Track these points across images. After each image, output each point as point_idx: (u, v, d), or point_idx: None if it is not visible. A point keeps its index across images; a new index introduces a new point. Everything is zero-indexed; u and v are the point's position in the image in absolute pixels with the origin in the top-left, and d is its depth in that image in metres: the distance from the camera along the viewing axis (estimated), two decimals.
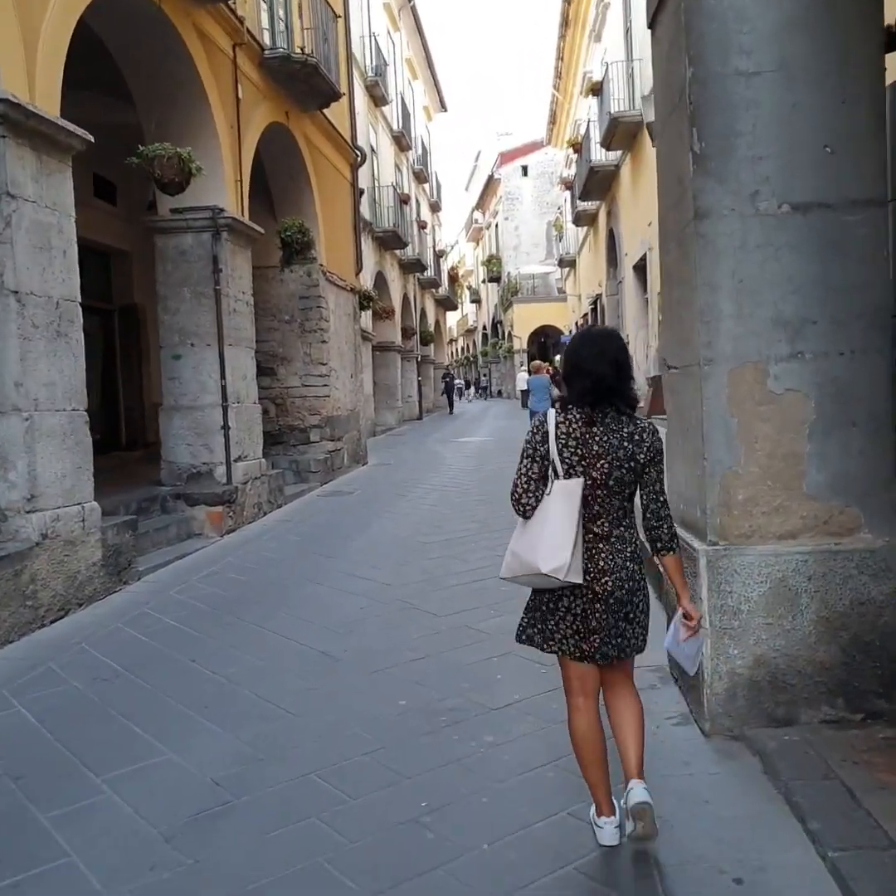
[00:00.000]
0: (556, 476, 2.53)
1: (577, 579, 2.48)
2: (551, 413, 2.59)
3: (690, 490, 3.61)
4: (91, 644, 5.02)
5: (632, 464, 2.51)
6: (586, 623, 2.53)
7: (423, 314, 32.30)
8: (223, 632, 5.18)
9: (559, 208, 40.46)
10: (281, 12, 10.75)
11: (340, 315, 13.15)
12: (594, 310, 28.62)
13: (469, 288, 60.53)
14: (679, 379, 3.74)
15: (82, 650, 4.93)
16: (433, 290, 35.33)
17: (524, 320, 42.13)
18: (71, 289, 5.93)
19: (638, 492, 2.61)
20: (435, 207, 36.51)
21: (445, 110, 37.98)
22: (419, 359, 29.69)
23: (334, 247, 12.93)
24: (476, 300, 59.29)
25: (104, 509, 6.61)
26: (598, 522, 2.54)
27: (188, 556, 7.40)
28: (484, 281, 52.70)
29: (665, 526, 2.61)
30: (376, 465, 14.31)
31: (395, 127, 25.40)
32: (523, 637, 2.69)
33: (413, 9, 28.58)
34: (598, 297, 26.99)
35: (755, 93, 3.28)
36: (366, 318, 19.79)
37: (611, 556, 2.53)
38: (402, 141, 26.17)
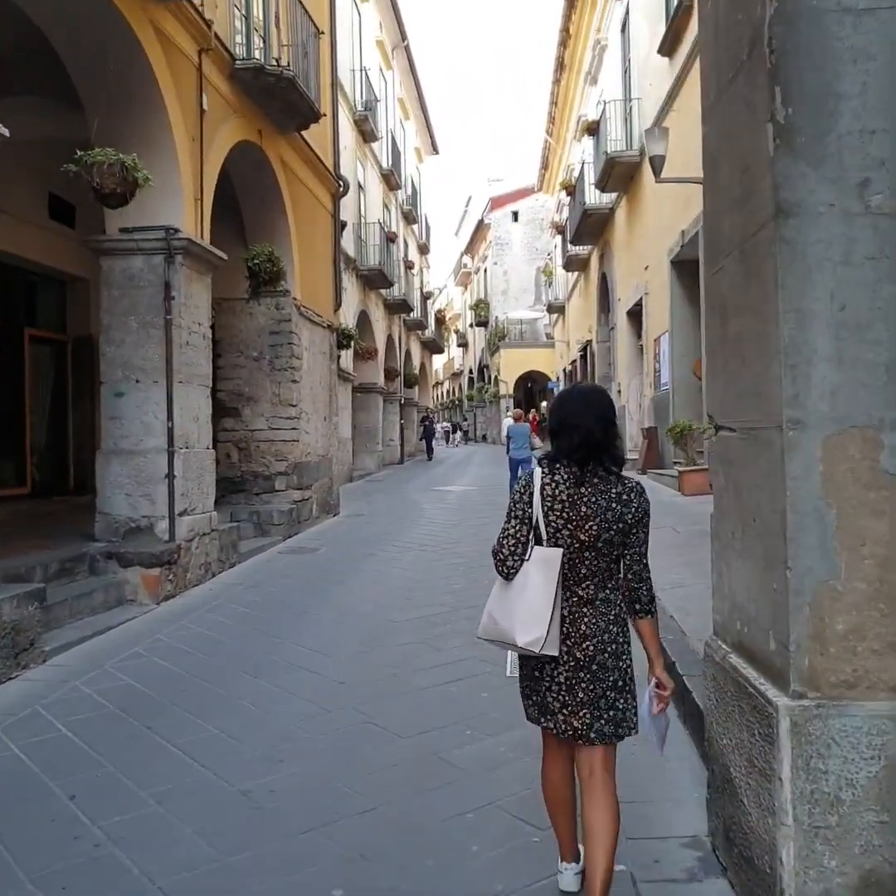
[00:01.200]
0: (539, 540, 2.50)
1: (553, 651, 2.45)
2: (537, 472, 2.54)
3: (759, 607, 2.52)
4: None
5: (620, 525, 2.47)
6: (573, 694, 2.47)
7: (408, 356, 31.42)
8: (123, 750, 3.99)
9: (549, 254, 40.03)
10: (258, 22, 9.89)
11: (315, 353, 12.12)
12: (583, 356, 27.85)
13: (456, 332, 59.99)
14: (740, 446, 2.68)
15: None
16: (419, 332, 34.53)
17: (511, 365, 41.42)
18: None
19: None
20: (423, 249, 35.90)
21: (437, 153, 37.64)
22: (402, 401, 28.71)
23: (310, 280, 11.95)
24: (463, 344, 58.71)
25: (14, 573, 5.48)
26: (584, 585, 2.51)
27: (112, 631, 6.21)
28: (471, 325, 52.13)
29: (645, 587, 2.56)
30: (349, 516, 13.16)
31: (384, 164, 24.76)
32: (528, 715, 2.64)
33: (407, 48, 28.19)
34: (588, 343, 26.24)
35: (867, 38, 2.25)
36: (346, 357, 18.81)
37: (594, 620, 2.49)
38: (391, 179, 25.51)
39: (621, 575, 2.56)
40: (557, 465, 2.52)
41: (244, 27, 9.47)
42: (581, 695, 2.46)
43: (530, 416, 17.77)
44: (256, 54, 9.55)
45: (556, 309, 35.09)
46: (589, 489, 2.47)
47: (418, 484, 19.61)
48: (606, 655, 2.47)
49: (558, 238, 33.07)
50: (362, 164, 21.88)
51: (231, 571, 8.49)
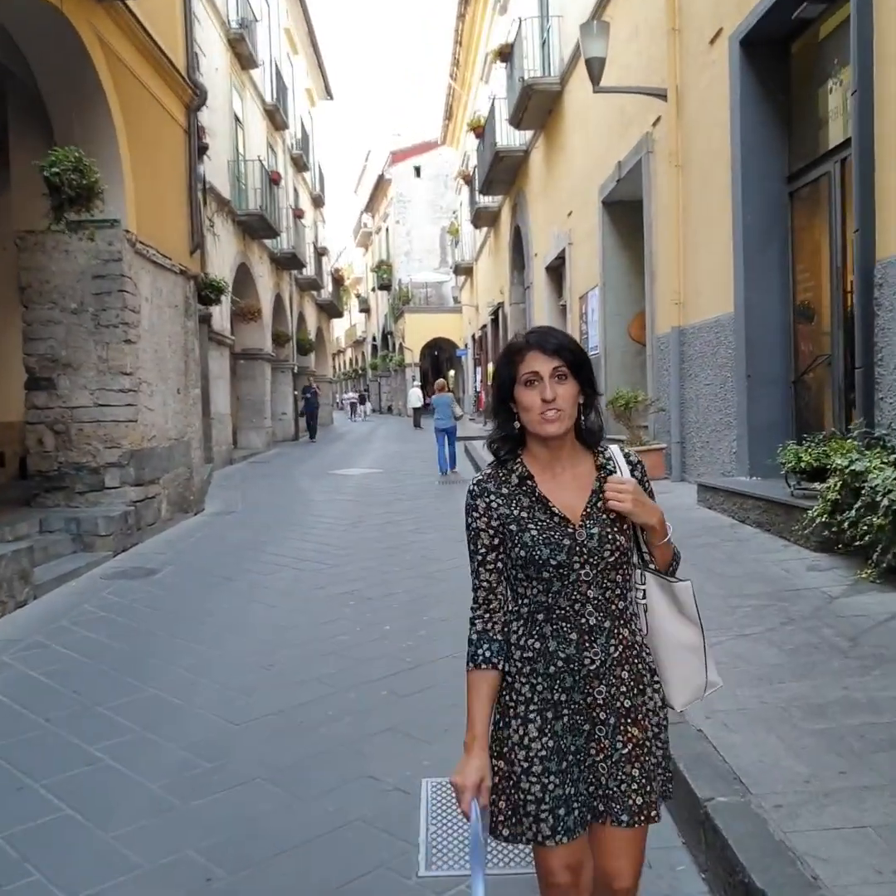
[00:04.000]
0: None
1: None
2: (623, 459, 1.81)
3: None
4: None
5: None
6: None
7: (302, 319, 28.45)
8: None
9: (455, 212, 37.52)
10: None
11: (162, 305, 9.35)
12: (495, 321, 25.60)
13: (358, 296, 56.92)
14: None
15: None
16: (314, 293, 31.51)
17: (416, 331, 38.92)
18: None
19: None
20: (318, 202, 32.78)
21: (331, 98, 34.45)
22: (295, 370, 25.82)
23: (153, 209, 9.14)
24: (365, 309, 55.70)
25: None
26: None
27: None
28: (374, 288, 49.21)
29: None
30: (216, 513, 10.49)
31: (267, 99, 21.66)
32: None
33: None
34: (500, 306, 24.01)
35: None
36: (221, 317, 15.99)
37: None
38: (275, 117, 22.43)
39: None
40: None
41: None
42: None
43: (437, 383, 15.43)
44: None
45: (464, 270, 32.70)
46: None
47: (312, 466, 16.97)
48: None
49: (465, 193, 30.58)
50: (240, 93, 18.82)
51: (15, 617, 5.81)
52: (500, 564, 1.73)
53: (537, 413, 1.68)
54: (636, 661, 1.73)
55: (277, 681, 4.41)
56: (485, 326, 27.89)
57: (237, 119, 18.53)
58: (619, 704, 1.70)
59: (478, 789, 1.64)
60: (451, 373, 40.42)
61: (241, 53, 18.30)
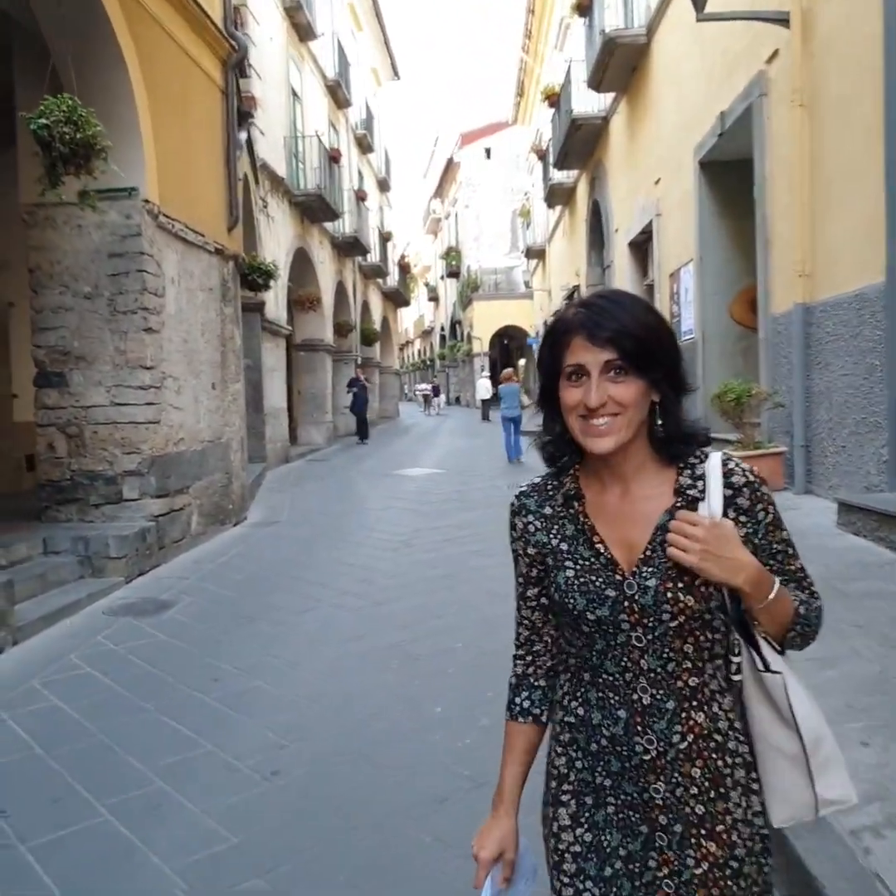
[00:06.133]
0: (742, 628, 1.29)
1: None
2: (718, 474, 1.24)
3: None
4: None
5: None
6: None
7: (366, 308, 27.31)
8: None
9: (526, 193, 35.88)
10: None
11: (192, 289, 8.19)
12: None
13: (427, 285, 55.71)
14: None
15: None
16: (379, 281, 30.34)
17: (485, 320, 37.44)
18: None
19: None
20: (384, 186, 31.57)
21: (398, 78, 33.17)
22: (359, 361, 24.68)
23: (182, 178, 7.98)
24: (434, 298, 54.45)
25: None
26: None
27: None
28: (442, 276, 47.90)
29: None
30: (258, 523, 9.31)
31: (329, 74, 20.49)
32: None
33: None
34: (575, 289, 22.36)
35: None
36: (276, 305, 14.88)
37: None
38: (337, 94, 21.24)
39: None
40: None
41: None
42: None
43: (504, 372, 14.17)
44: None
45: (536, 254, 31.10)
46: None
47: (371, 465, 15.74)
48: None
49: (537, 172, 28.97)
50: (298, 66, 17.66)
51: None
52: (544, 600, 1.33)
53: (579, 418, 1.20)
54: (716, 755, 1.20)
55: (280, 806, 3.11)
56: (558, 312, 26.33)
57: (295, 93, 17.40)
58: (687, 810, 1.19)
59: (496, 862, 1.34)
60: (522, 362, 38.85)
61: (299, 23, 17.14)
